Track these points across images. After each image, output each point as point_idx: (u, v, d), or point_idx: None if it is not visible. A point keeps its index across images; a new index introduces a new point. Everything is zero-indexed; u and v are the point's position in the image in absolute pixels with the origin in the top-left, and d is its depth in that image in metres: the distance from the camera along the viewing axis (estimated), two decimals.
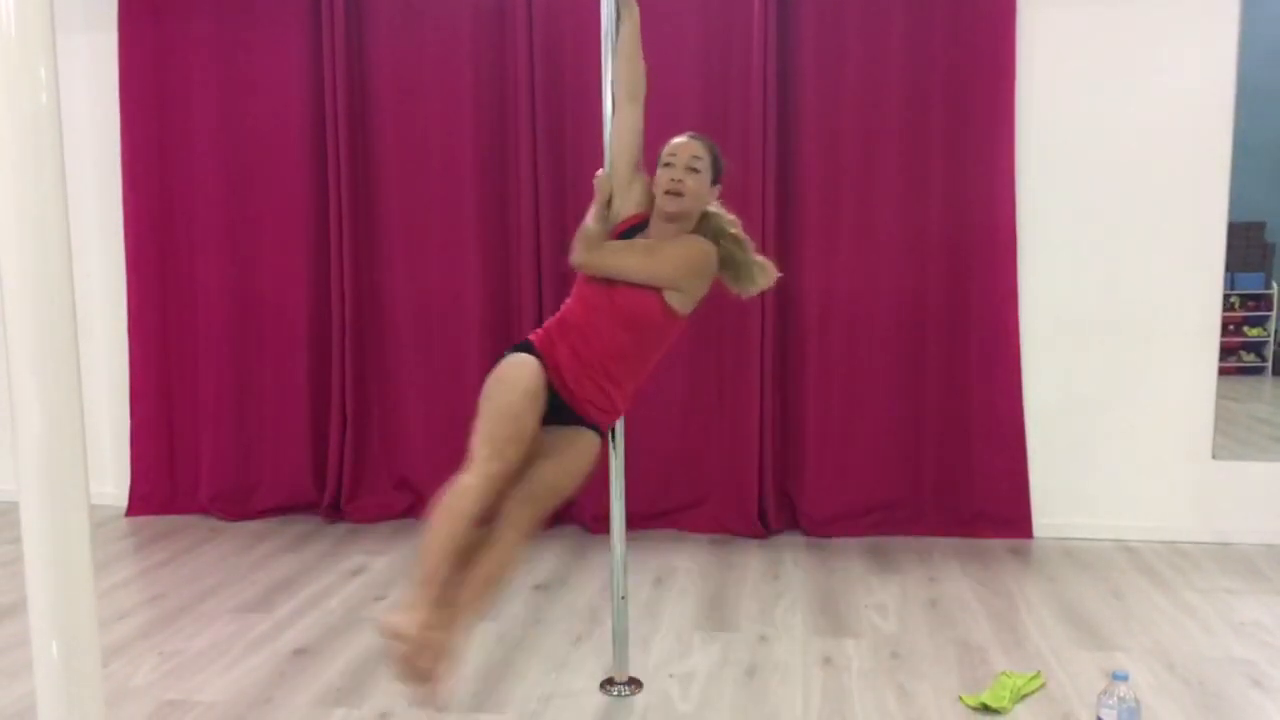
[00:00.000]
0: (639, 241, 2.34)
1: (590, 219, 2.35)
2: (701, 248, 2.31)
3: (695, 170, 2.28)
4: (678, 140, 2.33)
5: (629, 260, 2.28)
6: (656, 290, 2.26)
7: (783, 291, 3.99)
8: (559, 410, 2.26)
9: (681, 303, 2.30)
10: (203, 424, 4.36)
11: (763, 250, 3.83)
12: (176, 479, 4.43)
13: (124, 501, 4.44)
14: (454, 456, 4.32)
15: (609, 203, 2.40)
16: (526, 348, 2.28)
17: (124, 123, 4.27)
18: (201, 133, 4.23)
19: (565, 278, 4.08)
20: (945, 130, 3.83)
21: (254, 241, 4.26)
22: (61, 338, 1.32)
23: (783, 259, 3.96)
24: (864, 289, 3.92)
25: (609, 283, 2.28)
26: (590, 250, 2.30)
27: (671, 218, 2.31)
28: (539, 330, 2.36)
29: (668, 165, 2.29)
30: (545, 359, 2.25)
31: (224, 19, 4.17)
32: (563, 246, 4.04)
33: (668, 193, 2.27)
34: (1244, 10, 3.68)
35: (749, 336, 3.94)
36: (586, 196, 4.10)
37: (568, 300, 2.37)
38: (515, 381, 2.20)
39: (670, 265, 2.26)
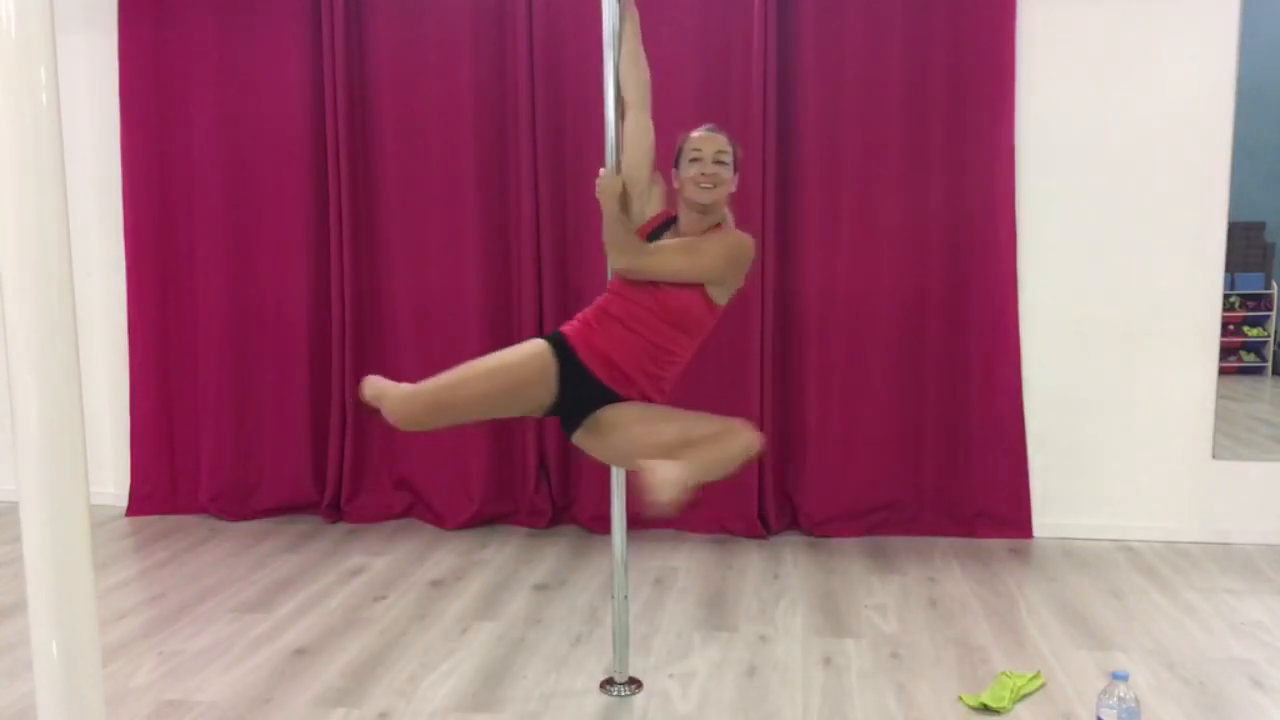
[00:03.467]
0: (679, 241, 2.40)
1: (613, 222, 2.39)
2: (740, 239, 2.40)
3: (723, 163, 2.38)
4: (699, 134, 2.42)
5: (675, 262, 2.35)
6: (699, 285, 2.35)
7: (783, 291, 3.99)
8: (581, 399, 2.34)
9: (720, 294, 2.39)
10: (203, 424, 4.36)
11: (763, 251, 3.88)
12: (176, 479, 4.43)
13: (124, 501, 4.44)
14: (453, 456, 4.34)
15: (625, 202, 2.46)
16: (555, 339, 2.37)
17: (124, 122, 4.27)
18: (201, 132, 4.23)
19: (566, 277, 4.11)
20: (945, 130, 3.83)
21: (254, 241, 4.25)
22: (61, 338, 1.32)
23: (783, 259, 3.97)
24: (864, 289, 3.92)
25: (653, 283, 2.35)
26: (630, 253, 2.36)
27: (705, 209, 2.39)
28: (573, 323, 2.41)
29: (695, 159, 2.37)
30: (577, 348, 2.33)
31: (224, 19, 4.17)
32: (563, 246, 4.08)
33: (701, 185, 2.36)
34: (1244, 10, 3.68)
35: (749, 336, 3.94)
36: (587, 195, 4.10)
37: (603, 297, 2.43)
38: (509, 371, 2.31)
39: (716, 261, 2.34)
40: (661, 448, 2.16)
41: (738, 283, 2.42)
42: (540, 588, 3.48)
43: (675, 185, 2.44)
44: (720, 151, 2.37)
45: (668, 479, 2.05)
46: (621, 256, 2.36)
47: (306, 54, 4.15)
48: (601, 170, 2.49)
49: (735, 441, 2.20)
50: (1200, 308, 3.82)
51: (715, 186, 2.36)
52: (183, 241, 4.31)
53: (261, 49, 4.17)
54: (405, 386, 2.35)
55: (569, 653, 2.92)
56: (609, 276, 2.48)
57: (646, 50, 2.48)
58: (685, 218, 2.43)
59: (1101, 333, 3.88)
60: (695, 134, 2.42)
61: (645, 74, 2.48)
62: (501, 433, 4.19)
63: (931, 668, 2.79)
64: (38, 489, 1.32)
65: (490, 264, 4.13)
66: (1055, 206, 3.86)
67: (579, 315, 2.44)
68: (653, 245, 2.39)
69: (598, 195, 2.44)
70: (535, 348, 2.36)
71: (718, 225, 2.43)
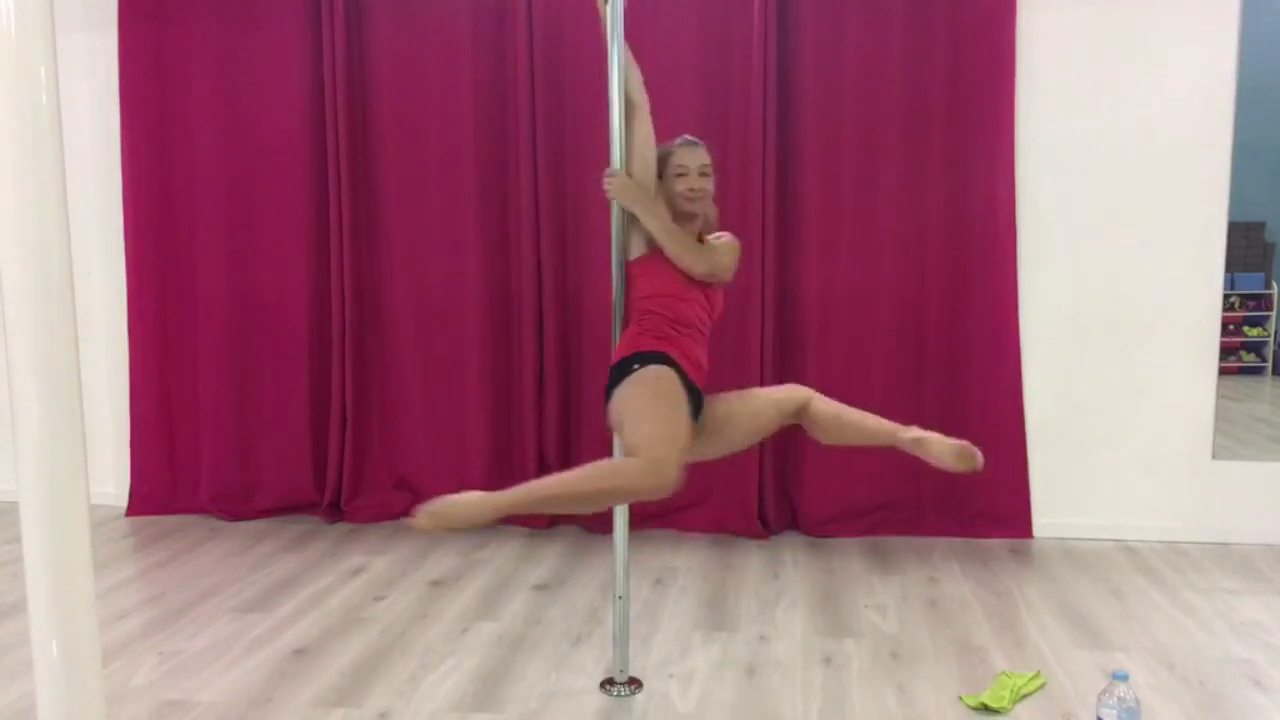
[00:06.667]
0: (706, 245, 2.57)
1: (675, 229, 2.48)
2: (737, 243, 2.63)
3: (706, 175, 2.55)
4: (683, 149, 2.55)
5: (729, 263, 2.57)
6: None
7: (783, 291, 3.99)
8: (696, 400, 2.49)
9: None
10: (203, 424, 4.36)
11: (763, 251, 3.88)
12: (176, 479, 4.43)
13: (124, 501, 4.44)
14: (454, 456, 4.35)
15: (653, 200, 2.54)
16: (663, 359, 2.40)
17: (124, 123, 4.27)
18: (201, 132, 4.22)
19: (566, 276, 4.10)
20: (945, 131, 3.83)
21: (254, 241, 4.25)
22: (61, 338, 1.32)
23: (783, 259, 3.97)
24: (864, 289, 3.92)
25: (703, 285, 2.53)
26: (705, 257, 2.51)
27: (692, 218, 2.56)
28: (649, 337, 2.46)
29: (682, 174, 2.52)
30: (679, 362, 2.43)
31: (224, 18, 4.17)
32: (563, 245, 4.08)
33: (689, 198, 2.52)
34: (1244, 10, 3.68)
35: (749, 336, 3.94)
36: (587, 195, 4.10)
37: (659, 297, 2.48)
38: (675, 397, 2.34)
39: (735, 263, 2.61)
40: (769, 424, 2.59)
41: None
42: (540, 588, 3.48)
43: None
44: (704, 165, 2.54)
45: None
46: (700, 261, 2.48)
47: (306, 54, 4.15)
48: (611, 171, 2.50)
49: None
50: (1200, 308, 3.82)
51: (703, 199, 2.54)
52: (183, 241, 4.31)
53: (262, 49, 4.16)
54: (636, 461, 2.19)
55: (569, 653, 2.92)
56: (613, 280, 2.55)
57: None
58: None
59: (1101, 333, 3.88)
60: (678, 148, 2.55)
61: (639, 73, 2.52)
62: (501, 432, 4.19)
63: (931, 668, 2.79)
64: (38, 489, 1.32)
65: (490, 264, 4.12)
66: (1055, 206, 3.86)
67: (637, 326, 2.49)
68: (709, 247, 2.55)
69: (615, 196, 2.49)
70: (668, 374, 2.38)
71: (700, 229, 2.61)
